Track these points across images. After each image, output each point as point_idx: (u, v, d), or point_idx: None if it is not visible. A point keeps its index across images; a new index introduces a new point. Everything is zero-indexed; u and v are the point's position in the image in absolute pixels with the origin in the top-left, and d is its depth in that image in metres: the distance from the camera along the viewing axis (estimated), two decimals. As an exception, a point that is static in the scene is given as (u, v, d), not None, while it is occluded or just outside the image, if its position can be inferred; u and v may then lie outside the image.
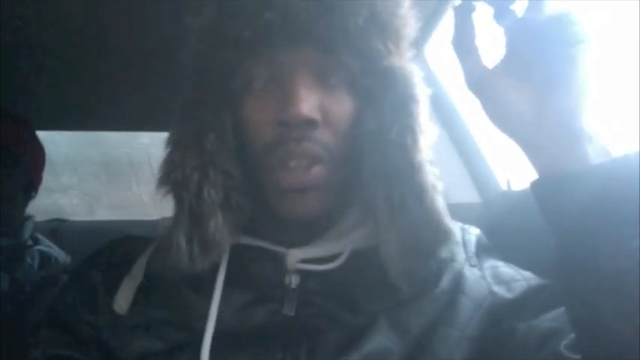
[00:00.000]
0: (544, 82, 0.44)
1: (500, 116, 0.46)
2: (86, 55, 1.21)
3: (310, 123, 0.50)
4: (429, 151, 0.53)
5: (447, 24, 1.15)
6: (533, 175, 0.45)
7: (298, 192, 0.52)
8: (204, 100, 0.53)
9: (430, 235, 0.52)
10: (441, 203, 0.53)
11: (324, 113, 0.51)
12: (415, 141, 0.52)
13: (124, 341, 0.54)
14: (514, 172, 1.24)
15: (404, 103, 0.53)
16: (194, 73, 0.54)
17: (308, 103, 0.50)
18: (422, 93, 0.54)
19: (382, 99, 0.53)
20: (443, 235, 0.52)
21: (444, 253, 0.55)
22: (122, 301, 0.56)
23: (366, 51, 0.52)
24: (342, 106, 0.53)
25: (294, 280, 0.54)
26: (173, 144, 0.53)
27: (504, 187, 1.22)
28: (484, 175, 1.26)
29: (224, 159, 0.53)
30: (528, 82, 0.45)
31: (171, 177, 0.52)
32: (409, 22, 0.55)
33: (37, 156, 1.27)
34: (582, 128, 0.42)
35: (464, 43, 0.48)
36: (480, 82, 0.47)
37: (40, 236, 1.28)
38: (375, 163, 0.53)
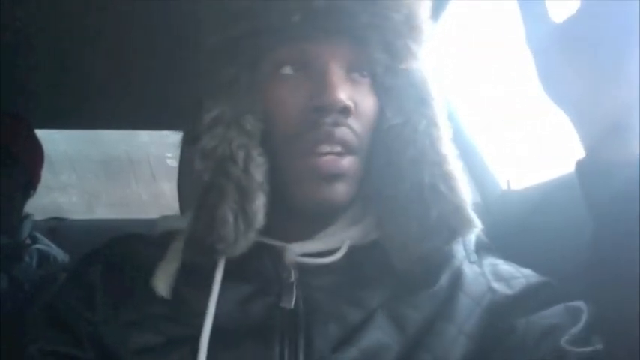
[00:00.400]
0: (606, 68, 0.40)
1: (554, 86, 0.44)
2: (85, 54, 1.21)
3: (345, 110, 0.51)
4: (452, 146, 0.55)
5: (445, 24, 1.15)
6: (579, 153, 0.43)
7: (329, 179, 0.52)
8: (236, 82, 0.53)
9: (456, 222, 0.53)
10: (468, 193, 0.54)
11: (354, 104, 0.52)
12: (441, 135, 0.55)
13: (123, 337, 0.54)
14: (514, 172, 1.24)
15: (427, 102, 0.55)
16: (226, 54, 0.53)
17: (344, 90, 0.51)
18: (439, 93, 0.56)
19: (404, 97, 0.55)
20: (468, 223, 0.53)
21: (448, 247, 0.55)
22: (162, 284, 0.54)
23: (395, 49, 0.53)
24: (369, 100, 0.54)
25: (292, 274, 0.55)
26: (212, 120, 0.52)
27: (504, 188, 1.22)
28: (484, 176, 1.26)
29: (259, 142, 0.52)
30: (589, 61, 0.41)
31: (218, 151, 0.51)
32: (430, 27, 0.56)
33: (35, 155, 1.27)
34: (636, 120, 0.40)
35: None
36: (540, 42, 0.44)
37: (38, 235, 1.29)
38: (401, 154, 0.54)
